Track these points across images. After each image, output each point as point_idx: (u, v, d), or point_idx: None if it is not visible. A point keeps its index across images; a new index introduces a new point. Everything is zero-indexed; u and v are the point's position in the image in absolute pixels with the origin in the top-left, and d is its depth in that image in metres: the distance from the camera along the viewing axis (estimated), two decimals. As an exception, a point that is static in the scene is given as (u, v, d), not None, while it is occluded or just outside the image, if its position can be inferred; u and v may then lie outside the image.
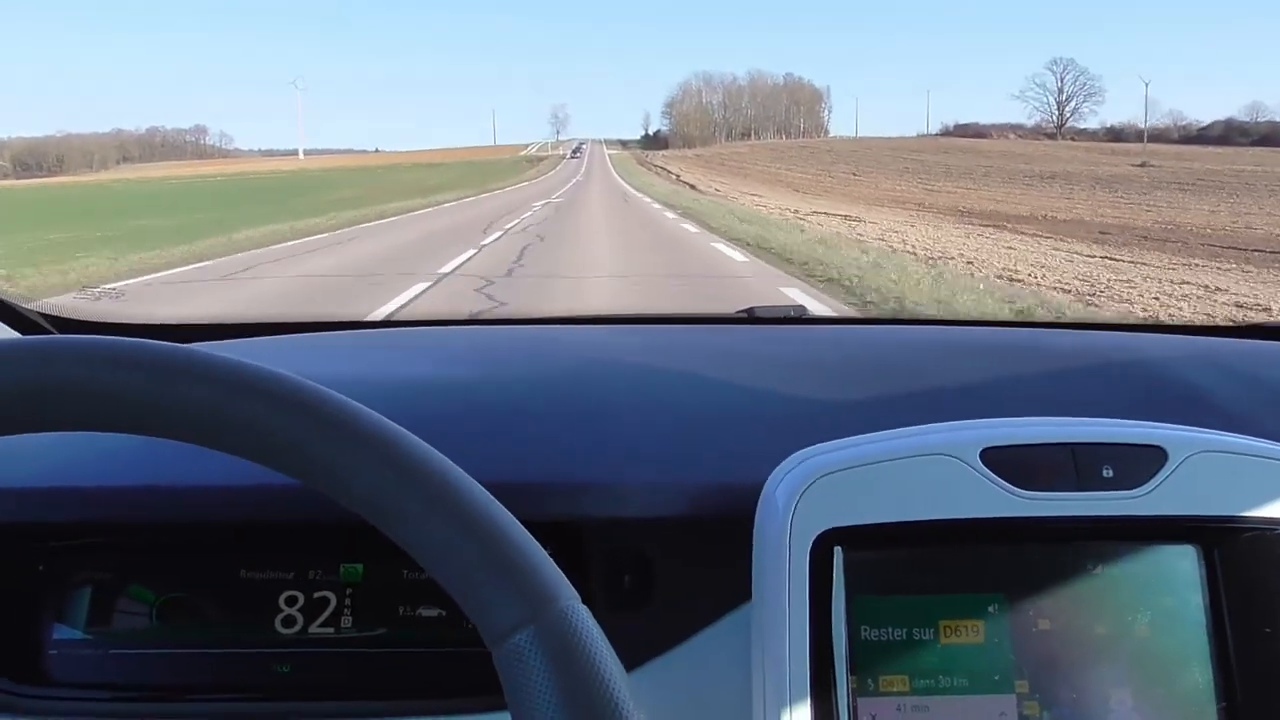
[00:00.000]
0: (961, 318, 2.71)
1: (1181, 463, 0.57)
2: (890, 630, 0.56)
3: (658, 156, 57.77)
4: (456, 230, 14.15)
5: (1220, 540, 0.57)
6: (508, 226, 14.75)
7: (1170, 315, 6.42)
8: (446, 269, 8.91)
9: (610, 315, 1.18)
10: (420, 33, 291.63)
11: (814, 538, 0.55)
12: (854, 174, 35.30)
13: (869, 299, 6.78)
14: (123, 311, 6.24)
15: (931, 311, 6.08)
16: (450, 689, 0.62)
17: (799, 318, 1.13)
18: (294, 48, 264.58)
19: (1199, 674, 0.56)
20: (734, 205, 18.95)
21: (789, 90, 76.26)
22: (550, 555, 0.37)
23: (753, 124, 74.70)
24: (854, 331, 1.18)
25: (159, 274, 8.93)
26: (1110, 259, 10.07)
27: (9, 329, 0.90)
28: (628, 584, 0.63)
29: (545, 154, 75.21)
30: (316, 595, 0.65)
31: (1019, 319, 4.40)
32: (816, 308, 6.09)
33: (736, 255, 9.92)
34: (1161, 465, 0.57)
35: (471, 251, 10.53)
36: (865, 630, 0.56)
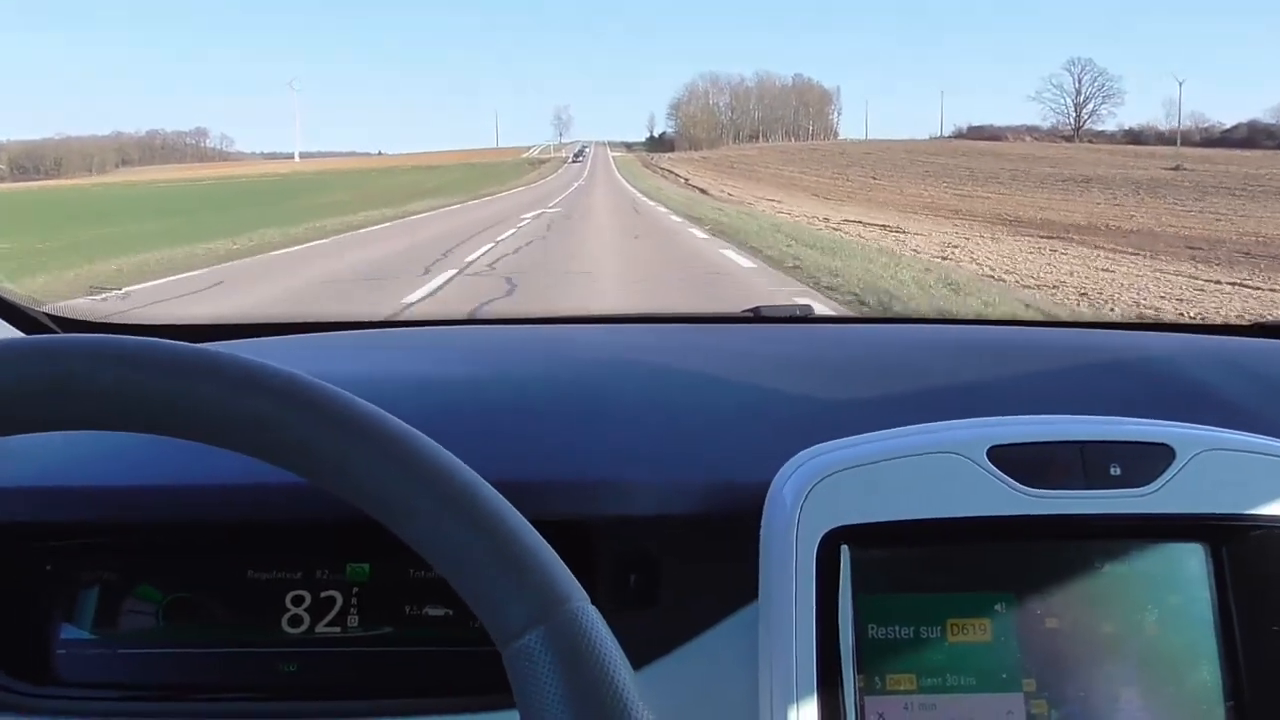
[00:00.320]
0: (966, 316, 2.70)
1: (1189, 460, 0.57)
2: (897, 629, 0.56)
3: (663, 159, 56.48)
4: (386, 266, 9.42)
5: (1228, 538, 0.57)
6: (469, 260, 9.53)
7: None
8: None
9: (617, 315, 1.18)
10: (423, 35, 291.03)
11: (821, 536, 0.55)
12: (873, 178, 33.84)
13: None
14: (129, 312, 6.14)
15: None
16: (457, 688, 0.62)
17: (805, 317, 1.13)
18: (296, 50, 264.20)
19: (1207, 672, 0.56)
20: (777, 219, 15.06)
21: (797, 91, 75.09)
22: (557, 553, 0.37)
23: (760, 126, 73.47)
24: (859, 330, 1.18)
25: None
26: (1243, 285, 8.30)
27: (17, 331, 0.90)
28: (634, 582, 0.63)
29: (547, 156, 74.59)
30: (323, 595, 0.65)
31: (1024, 317, 4.25)
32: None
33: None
34: (1169, 463, 0.57)
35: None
36: (872, 629, 0.56)
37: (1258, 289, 8.13)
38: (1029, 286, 7.79)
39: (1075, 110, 63.04)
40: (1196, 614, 0.57)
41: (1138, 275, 8.94)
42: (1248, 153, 39.04)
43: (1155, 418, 0.63)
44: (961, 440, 0.58)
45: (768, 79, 79.83)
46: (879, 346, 0.97)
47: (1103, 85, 63.33)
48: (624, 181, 37.01)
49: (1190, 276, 8.99)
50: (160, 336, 0.39)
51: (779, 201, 21.81)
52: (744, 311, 1.13)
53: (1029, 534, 0.57)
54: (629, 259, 10.11)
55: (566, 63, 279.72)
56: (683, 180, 36.14)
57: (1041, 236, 13.28)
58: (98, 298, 6.99)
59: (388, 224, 16.59)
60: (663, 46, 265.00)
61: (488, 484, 0.37)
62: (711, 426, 0.73)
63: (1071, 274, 8.72)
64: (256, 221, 15.83)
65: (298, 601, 0.65)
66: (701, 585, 0.63)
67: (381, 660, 0.65)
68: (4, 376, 0.36)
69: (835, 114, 78.46)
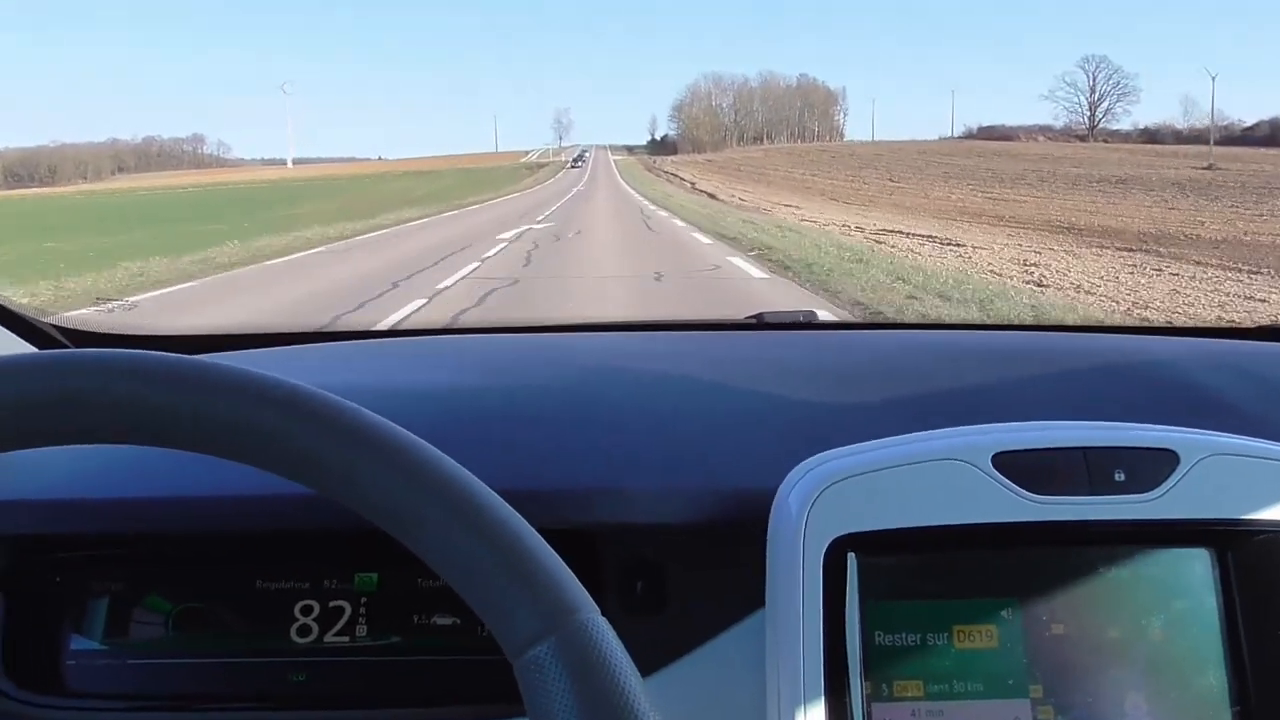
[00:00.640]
0: (972, 322, 2.60)
1: (1194, 466, 0.57)
2: (904, 635, 0.56)
3: (667, 162, 55.01)
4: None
5: (1234, 543, 0.57)
6: (394, 320, 6.35)
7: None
8: None
9: (621, 322, 1.17)
10: (422, 38, 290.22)
11: (827, 543, 0.55)
12: (890, 180, 32.26)
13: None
14: (136, 323, 6.20)
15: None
16: (465, 697, 0.62)
17: (808, 323, 1.12)
18: (295, 55, 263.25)
19: (1213, 677, 0.56)
20: (825, 237, 12.00)
21: (802, 92, 73.63)
22: (566, 565, 0.37)
23: (764, 128, 71.93)
24: (863, 336, 1.17)
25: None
26: None
27: (25, 343, 0.90)
28: (641, 590, 0.63)
29: (546, 160, 73.56)
30: (331, 604, 0.65)
31: (1028, 322, 4.10)
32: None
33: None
34: (1174, 468, 0.57)
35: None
36: (879, 635, 0.56)
37: None
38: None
39: (1090, 109, 61.30)
40: (1202, 619, 0.57)
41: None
42: (1271, 150, 37.79)
43: (1160, 422, 0.62)
44: (966, 447, 0.58)
45: (772, 79, 78.37)
46: (883, 352, 0.97)
47: (1118, 83, 61.65)
48: (628, 187, 34.75)
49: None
50: (169, 348, 0.39)
51: (797, 207, 20.19)
52: (747, 318, 1.12)
53: (1034, 540, 0.57)
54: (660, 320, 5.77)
55: (566, 65, 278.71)
56: (689, 184, 34.37)
57: (1120, 249, 11.56)
58: (103, 308, 6.84)
59: (324, 248, 12.56)
60: (664, 47, 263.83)
61: (496, 494, 0.37)
62: (716, 433, 0.72)
63: (1222, 306, 6.94)
64: (196, 239, 13.43)
65: (306, 611, 0.65)
66: (708, 592, 0.62)
67: (390, 670, 0.65)
68: (13, 391, 0.36)
69: (841, 115, 77.06)
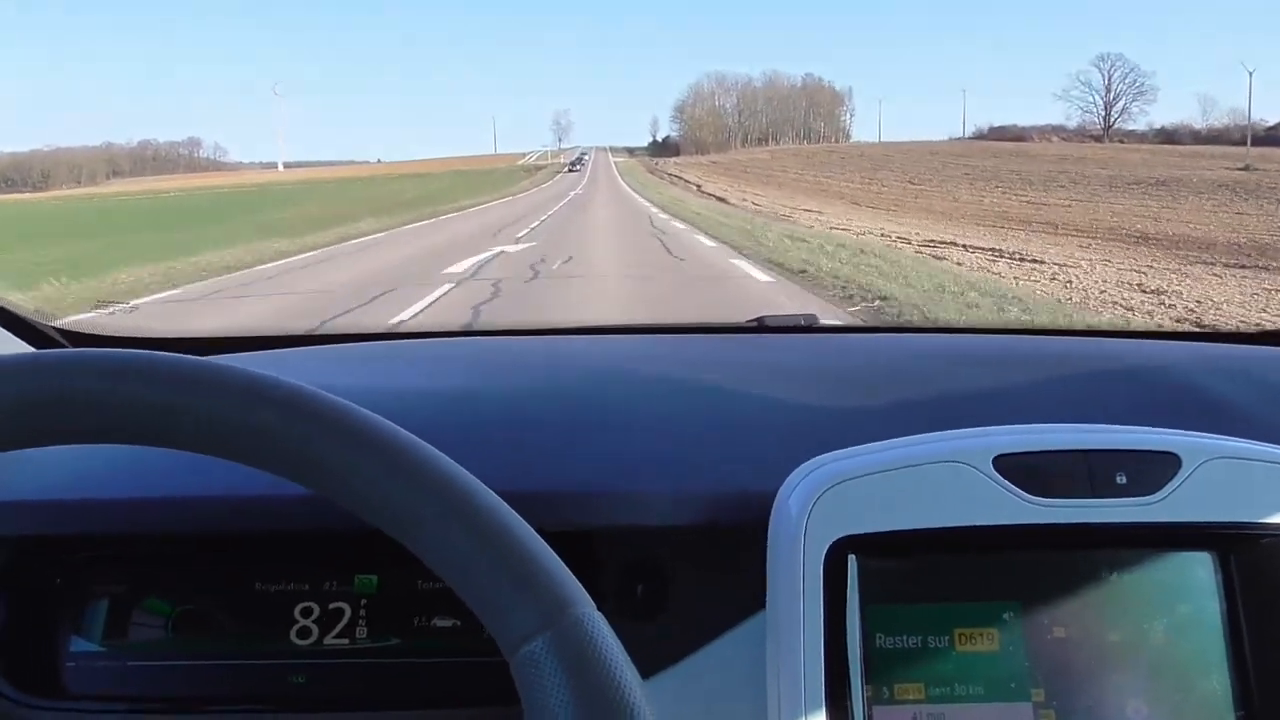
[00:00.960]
0: (973, 325, 2.56)
1: (1195, 469, 0.56)
2: (905, 638, 0.56)
3: (669, 164, 53.41)
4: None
5: (1236, 546, 0.57)
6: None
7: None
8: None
9: (622, 325, 1.16)
10: (420, 39, 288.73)
11: (828, 546, 0.55)
12: (910, 182, 30.56)
13: None
14: (137, 326, 6.13)
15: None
16: (465, 699, 0.62)
17: (809, 326, 1.10)
18: (294, 56, 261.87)
19: (1216, 681, 0.55)
20: (898, 258, 9.15)
21: (808, 92, 72.16)
22: (562, 561, 0.37)
23: (769, 129, 70.21)
24: (864, 340, 1.16)
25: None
26: None
27: (26, 345, 0.90)
28: (641, 593, 0.63)
29: (544, 163, 72.16)
30: (331, 606, 0.65)
31: (1029, 326, 3.93)
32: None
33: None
34: (1176, 472, 0.56)
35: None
36: (880, 638, 0.55)
37: None
38: None
39: (1105, 109, 59.64)
40: (1205, 623, 0.56)
41: None
42: (1300, 149, 36.02)
43: (1162, 426, 0.62)
44: (967, 449, 0.57)
45: (776, 79, 76.90)
46: (883, 356, 0.96)
47: (1135, 82, 59.90)
48: (631, 190, 32.74)
49: None
50: (170, 350, 0.39)
51: (819, 213, 18.36)
52: (748, 321, 1.11)
53: (1036, 543, 0.57)
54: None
55: (566, 66, 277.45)
56: (695, 187, 32.48)
57: (1230, 265, 9.59)
58: (104, 312, 6.75)
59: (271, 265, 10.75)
60: (665, 47, 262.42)
61: (491, 492, 0.38)
62: (717, 436, 0.72)
63: None
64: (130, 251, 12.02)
65: (306, 613, 0.65)
66: (709, 595, 0.62)
67: (390, 672, 0.64)
68: (14, 390, 0.36)
69: (847, 115, 75.40)
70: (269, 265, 10.88)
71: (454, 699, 0.62)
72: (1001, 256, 9.88)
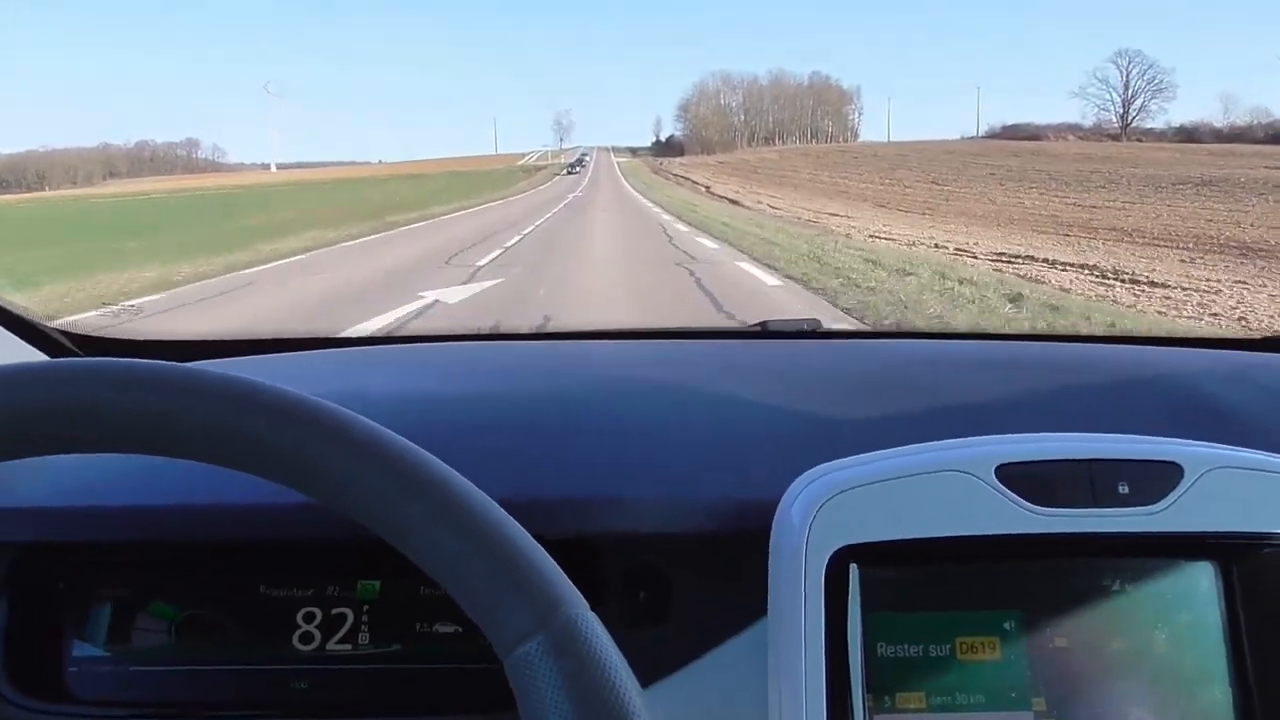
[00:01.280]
0: (978, 331, 2.53)
1: (1198, 479, 0.56)
2: (906, 647, 0.56)
3: (674, 164, 51.58)
4: None
5: (1238, 556, 0.57)
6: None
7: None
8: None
9: (624, 330, 1.16)
10: (421, 39, 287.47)
11: (830, 554, 0.55)
12: (934, 183, 28.59)
13: None
14: (141, 328, 6.16)
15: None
16: (467, 705, 0.62)
17: (812, 331, 1.10)
18: (294, 57, 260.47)
19: (1218, 691, 0.55)
20: (980, 280, 7.23)
21: (815, 91, 70.49)
22: (565, 570, 0.37)
23: (775, 128, 68.45)
24: (867, 346, 1.15)
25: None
26: None
27: (30, 347, 0.90)
28: (643, 600, 0.63)
29: (545, 163, 70.60)
30: (334, 612, 0.65)
31: (1033, 332, 3.93)
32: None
33: None
34: (1178, 481, 0.56)
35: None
36: (881, 647, 0.56)
37: None
38: None
39: (1123, 107, 57.47)
40: (1206, 632, 0.56)
41: None
42: (1333, 148, 34.18)
43: (1165, 434, 0.62)
44: (969, 459, 0.57)
45: (782, 77, 75.18)
46: (887, 362, 0.95)
47: (1153, 79, 57.73)
48: (636, 193, 30.70)
49: None
50: (172, 352, 0.39)
51: (847, 217, 16.35)
52: (751, 326, 1.11)
53: (1038, 552, 0.57)
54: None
55: (567, 64, 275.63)
56: (704, 189, 30.52)
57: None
58: (107, 312, 6.84)
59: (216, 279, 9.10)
60: (667, 45, 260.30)
61: (483, 494, 0.38)
62: (719, 442, 0.72)
63: None
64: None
65: (309, 619, 0.65)
66: (710, 602, 0.62)
67: (392, 677, 0.65)
68: (15, 400, 0.36)
69: (856, 114, 73.55)
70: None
71: (456, 705, 0.62)
72: (1105, 276, 8.03)
